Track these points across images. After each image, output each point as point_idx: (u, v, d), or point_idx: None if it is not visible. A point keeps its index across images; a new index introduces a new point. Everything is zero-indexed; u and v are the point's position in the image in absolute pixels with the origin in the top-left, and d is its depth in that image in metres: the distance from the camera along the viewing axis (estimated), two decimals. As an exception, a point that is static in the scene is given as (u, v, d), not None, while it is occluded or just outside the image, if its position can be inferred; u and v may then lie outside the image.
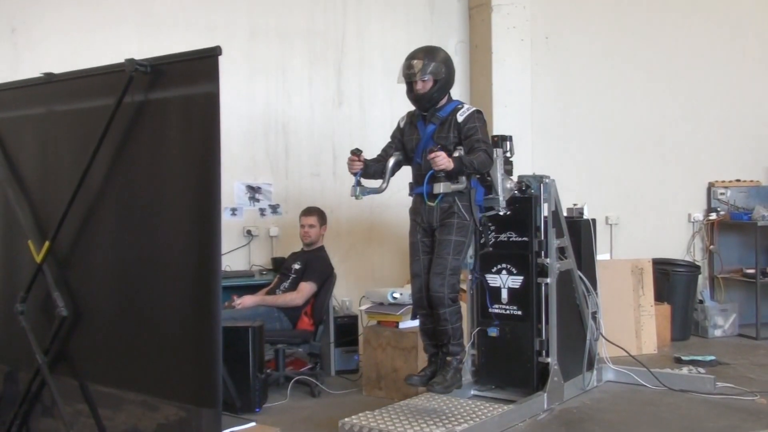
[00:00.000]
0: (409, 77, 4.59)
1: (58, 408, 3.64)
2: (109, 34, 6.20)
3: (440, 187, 4.42)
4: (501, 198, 4.80)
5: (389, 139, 4.89)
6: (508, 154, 4.98)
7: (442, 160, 4.30)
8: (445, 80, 4.62)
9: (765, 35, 8.07)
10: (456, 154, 4.45)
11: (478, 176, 4.67)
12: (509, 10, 7.10)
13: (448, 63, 4.66)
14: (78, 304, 3.71)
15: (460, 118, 4.57)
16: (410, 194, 4.80)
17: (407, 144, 4.77)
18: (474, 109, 4.66)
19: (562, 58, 7.52)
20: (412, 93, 4.64)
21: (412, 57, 4.63)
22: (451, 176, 4.44)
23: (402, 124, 4.85)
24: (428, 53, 4.65)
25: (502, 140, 4.96)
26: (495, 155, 4.68)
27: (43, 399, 3.85)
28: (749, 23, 8.03)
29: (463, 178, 4.52)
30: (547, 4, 7.43)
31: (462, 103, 4.72)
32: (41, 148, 3.99)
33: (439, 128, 4.61)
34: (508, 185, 4.87)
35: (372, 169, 4.77)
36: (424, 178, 4.51)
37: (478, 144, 4.49)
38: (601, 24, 7.64)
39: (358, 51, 7.12)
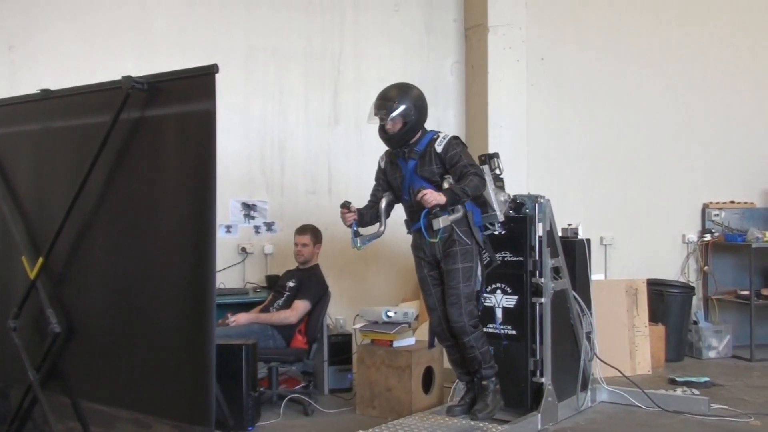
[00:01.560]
0: (381, 120, 4.59)
1: (49, 425, 3.62)
2: (107, 52, 6.23)
3: (439, 222, 4.39)
4: (498, 213, 4.77)
5: (374, 182, 4.90)
6: (498, 171, 4.92)
7: (432, 197, 4.31)
8: (414, 121, 4.59)
9: (759, 57, 8.12)
10: (446, 186, 4.47)
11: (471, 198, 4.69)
12: (505, 31, 7.14)
13: (419, 103, 4.61)
14: (71, 321, 3.70)
15: (438, 148, 4.56)
16: (408, 232, 4.80)
17: (392, 183, 4.77)
18: (450, 135, 4.65)
19: (557, 79, 7.56)
20: (383, 132, 4.64)
21: (382, 96, 4.61)
22: (446, 208, 4.43)
23: (383, 165, 4.85)
24: (400, 92, 4.61)
25: (489, 158, 4.93)
26: (483, 173, 4.67)
27: (35, 416, 3.82)
28: (743, 45, 8.07)
29: (459, 207, 4.51)
30: (543, 25, 7.48)
31: (437, 133, 4.69)
32: (37, 164, 3.99)
33: (420, 162, 4.60)
34: (502, 198, 4.84)
35: (367, 216, 4.79)
36: (416, 214, 4.52)
37: (465, 169, 4.48)
38: (597, 45, 7.69)
39: (354, 71, 7.15)
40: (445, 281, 4.61)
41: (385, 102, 4.56)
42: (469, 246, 4.59)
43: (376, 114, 4.59)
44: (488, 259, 4.85)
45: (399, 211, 4.88)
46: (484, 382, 4.68)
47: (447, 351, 4.84)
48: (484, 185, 4.58)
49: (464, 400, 4.78)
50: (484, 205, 4.76)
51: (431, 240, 4.52)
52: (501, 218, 4.80)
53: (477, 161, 4.78)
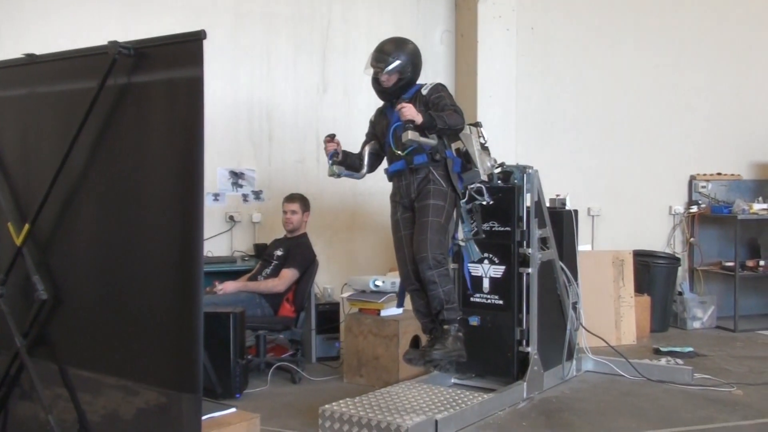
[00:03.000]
0: (375, 73, 4.59)
1: (36, 392, 3.62)
2: (92, 17, 6.14)
3: (408, 135, 4.27)
4: (480, 170, 4.72)
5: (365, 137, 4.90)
6: (482, 140, 4.86)
7: (410, 110, 4.26)
8: (409, 77, 4.61)
9: (747, 31, 8.11)
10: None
11: (454, 147, 4.67)
12: (495, 0, 7.09)
13: (415, 58, 4.63)
14: (58, 288, 3.68)
15: (424, 91, 4.58)
16: (388, 178, 4.76)
17: (378, 132, 4.78)
18: (437, 82, 4.68)
19: (547, 49, 7.54)
20: (377, 84, 4.65)
21: (380, 49, 4.60)
22: (421, 129, 4.35)
23: (373, 118, 4.88)
24: (397, 47, 4.61)
25: (472, 126, 4.85)
26: (468, 129, 4.66)
27: (22, 383, 3.82)
28: (732, 18, 8.06)
29: (434, 136, 4.44)
30: (534, -6, 7.44)
31: (426, 83, 4.70)
32: (22, 130, 3.95)
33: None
34: (488, 162, 4.81)
35: (350, 159, 4.76)
36: (397, 157, 4.52)
37: (447, 107, 4.46)
38: (587, 16, 7.66)
39: (343, 37, 7.09)
40: (416, 218, 4.55)
41: (382, 55, 4.56)
42: (444, 188, 4.53)
43: (372, 66, 4.59)
44: (475, 228, 4.84)
45: (388, 183, 4.86)
46: (446, 326, 4.45)
47: (412, 298, 4.65)
48: (462, 123, 4.51)
49: (424, 348, 4.53)
50: (466, 157, 4.72)
51: (397, 152, 4.50)
52: (483, 177, 4.76)
53: None
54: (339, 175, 4.74)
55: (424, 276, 4.41)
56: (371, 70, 4.61)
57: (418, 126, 4.28)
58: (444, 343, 4.41)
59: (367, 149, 4.81)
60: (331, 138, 4.66)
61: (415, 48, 4.69)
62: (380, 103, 4.85)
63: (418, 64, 4.65)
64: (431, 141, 4.43)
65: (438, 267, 4.40)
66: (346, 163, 4.73)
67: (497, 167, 4.97)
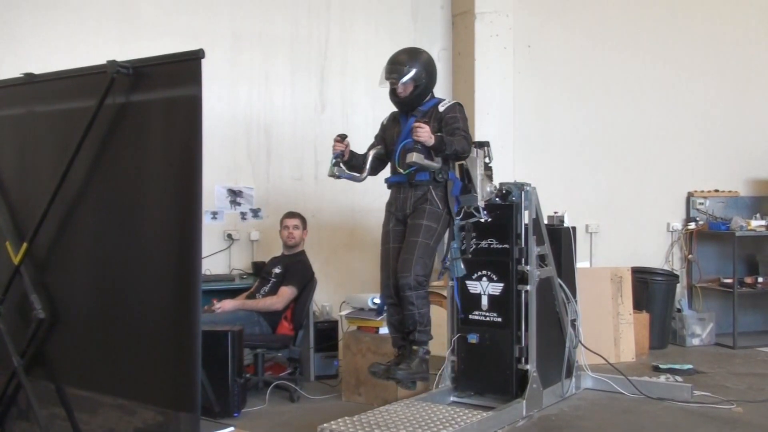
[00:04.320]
0: (391, 84, 4.63)
1: (33, 411, 3.61)
2: (91, 38, 6.18)
3: (413, 157, 4.35)
4: (479, 196, 4.77)
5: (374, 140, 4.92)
6: (487, 160, 4.96)
7: (425, 132, 4.31)
8: (425, 85, 4.67)
9: (744, 49, 8.14)
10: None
11: (457, 170, 4.70)
12: (492, 18, 7.14)
13: (429, 67, 4.69)
14: (56, 307, 3.68)
15: (441, 108, 4.64)
16: (388, 186, 4.80)
17: (388, 138, 4.80)
18: (456, 101, 4.74)
19: (544, 67, 7.57)
20: (394, 96, 4.68)
21: (393, 61, 4.65)
22: (430, 151, 4.41)
23: (385, 122, 4.91)
24: (411, 56, 4.67)
25: (480, 146, 4.94)
26: (474, 152, 4.70)
27: (19, 402, 3.81)
28: (729, 37, 8.09)
29: (440, 160, 4.51)
30: (530, 13, 7.47)
31: (444, 99, 4.78)
32: (21, 149, 3.96)
33: (421, 119, 4.60)
34: (488, 188, 4.87)
35: (355, 159, 4.76)
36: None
37: (457, 130, 4.52)
38: (583, 34, 7.69)
39: (341, 57, 7.13)
40: (406, 235, 4.59)
41: (396, 66, 4.60)
42: (440, 210, 4.59)
43: (387, 78, 4.62)
44: (464, 246, 4.84)
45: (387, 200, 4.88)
46: (415, 347, 4.56)
47: (388, 311, 4.73)
48: (469, 150, 4.59)
49: (390, 364, 4.61)
50: (467, 178, 4.75)
51: (399, 169, 4.55)
52: (480, 203, 4.80)
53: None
54: (339, 177, 4.73)
55: (403, 294, 4.49)
56: (386, 83, 4.65)
57: (426, 148, 4.35)
58: (410, 363, 4.54)
59: (371, 153, 4.81)
60: (341, 139, 4.65)
61: (428, 57, 4.75)
62: (383, 117, 4.87)
63: (432, 72, 4.72)
64: (434, 165, 4.50)
65: (418, 288, 4.49)
66: (350, 164, 4.73)
67: (496, 195, 4.97)
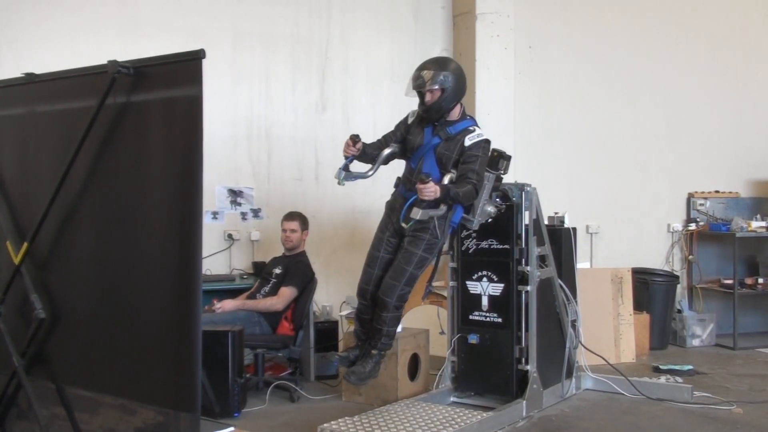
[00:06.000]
0: (418, 87, 4.60)
1: (34, 411, 3.61)
2: (92, 38, 6.18)
3: (418, 214, 4.40)
4: (475, 221, 4.80)
5: (393, 128, 4.87)
6: (502, 173, 4.89)
7: (430, 193, 4.31)
8: (453, 89, 4.59)
9: (743, 52, 8.15)
10: (446, 181, 4.49)
11: None
12: (493, 19, 7.13)
13: (457, 73, 4.65)
14: (56, 307, 3.68)
15: (468, 142, 4.58)
16: (395, 186, 4.81)
17: (409, 142, 4.75)
18: (484, 138, 4.65)
19: (545, 68, 7.57)
20: (423, 104, 4.65)
21: (421, 68, 4.64)
22: (433, 203, 4.44)
23: (410, 120, 4.82)
24: (437, 63, 4.69)
25: (500, 157, 4.85)
26: (483, 185, 4.66)
27: (19, 402, 3.81)
28: (729, 37, 8.10)
29: (444, 207, 4.54)
30: (531, 13, 7.47)
31: (475, 126, 4.69)
32: (21, 149, 3.96)
33: (445, 143, 4.61)
34: (488, 209, 4.85)
35: (368, 148, 4.73)
36: (412, 183, 4.51)
37: (471, 175, 4.49)
38: (584, 35, 7.69)
39: (342, 57, 7.13)
40: (400, 257, 4.62)
41: (424, 72, 4.59)
42: (437, 240, 4.63)
43: (415, 83, 4.60)
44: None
45: (388, 188, 4.88)
46: (374, 351, 4.70)
47: (359, 308, 4.81)
48: (475, 198, 4.59)
49: (348, 354, 4.78)
50: (469, 207, 4.76)
51: (402, 223, 4.56)
52: (475, 227, 4.85)
53: (491, 155, 4.75)
54: (344, 184, 4.72)
55: (379, 312, 4.61)
56: (413, 92, 4.63)
57: (433, 200, 4.37)
58: (364, 364, 4.69)
59: (386, 152, 4.77)
60: (354, 141, 4.57)
61: (455, 64, 4.75)
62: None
63: (459, 77, 4.65)
64: (438, 212, 4.53)
65: (394, 311, 4.63)
66: (363, 156, 4.69)
67: (492, 216, 4.95)
